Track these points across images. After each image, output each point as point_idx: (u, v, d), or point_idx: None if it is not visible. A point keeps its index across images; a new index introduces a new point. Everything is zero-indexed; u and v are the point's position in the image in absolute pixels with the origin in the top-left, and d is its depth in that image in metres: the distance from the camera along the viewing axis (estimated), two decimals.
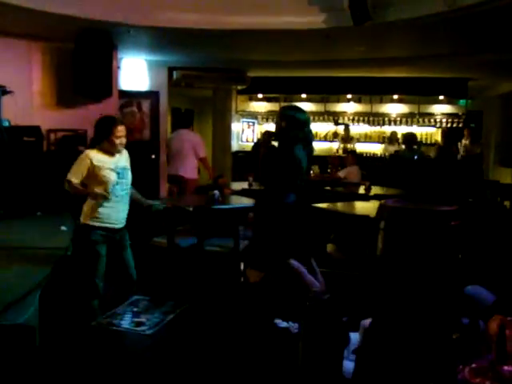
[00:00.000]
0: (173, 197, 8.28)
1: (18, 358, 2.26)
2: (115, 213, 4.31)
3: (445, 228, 1.45)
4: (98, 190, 4.18)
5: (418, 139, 12.74)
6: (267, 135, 10.66)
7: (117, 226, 4.33)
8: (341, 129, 13.07)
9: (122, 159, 4.38)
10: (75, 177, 4.18)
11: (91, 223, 4.25)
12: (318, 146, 12.65)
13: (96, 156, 4.22)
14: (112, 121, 4.35)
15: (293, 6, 6.71)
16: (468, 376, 1.48)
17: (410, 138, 10.01)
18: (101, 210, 4.23)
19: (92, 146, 4.35)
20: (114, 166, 4.26)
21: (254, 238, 3.93)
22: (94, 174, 4.19)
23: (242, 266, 5.55)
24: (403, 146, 12.03)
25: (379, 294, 1.58)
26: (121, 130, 4.27)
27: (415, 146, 10.03)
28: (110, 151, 4.28)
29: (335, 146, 13.06)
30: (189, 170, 8.44)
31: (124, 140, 4.30)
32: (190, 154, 8.38)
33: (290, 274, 3.27)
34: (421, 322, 1.51)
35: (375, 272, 1.58)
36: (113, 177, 4.22)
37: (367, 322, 1.69)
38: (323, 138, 13.31)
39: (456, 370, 1.47)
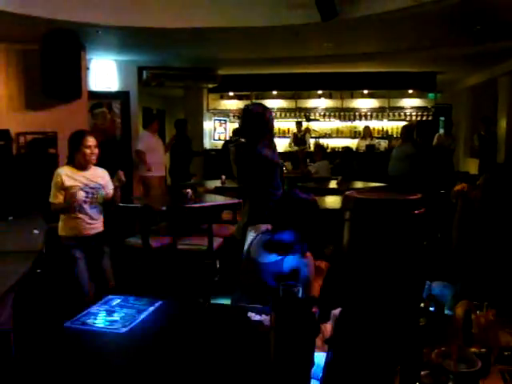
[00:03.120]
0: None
1: None
2: (85, 226, 4.41)
3: (408, 217, 1.49)
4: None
5: (389, 133, 12.94)
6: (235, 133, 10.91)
7: (88, 233, 4.43)
8: (313, 125, 13.21)
9: (96, 176, 4.43)
10: (56, 199, 4.29)
11: (65, 234, 4.41)
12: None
13: (66, 173, 4.30)
14: (81, 133, 4.45)
15: (261, 3, 6.73)
16: (434, 358, 1.52)
17: (408, 129, 9.68)
18: (71, 224, 4.37)
19: (67, 163, 4.44)
20: (82, 184, 4.32)
21: None
22: (64, 189, 4.28)
23: (217, 264, 5.57)
24: (375, 140, 12.16)
25: (348, 284, 1.61)
26: (90, 140, 4.35)
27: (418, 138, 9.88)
28: (83, 165, 4.34)
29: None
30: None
31: (96, 150, 4.37)
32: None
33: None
34: (388, 310, 1.55)
35: (343, 262, 1.61)
36: (81, 196, 4.29)
37: (337, 311, 1.72)
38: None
39: (422, 353, 1.52)
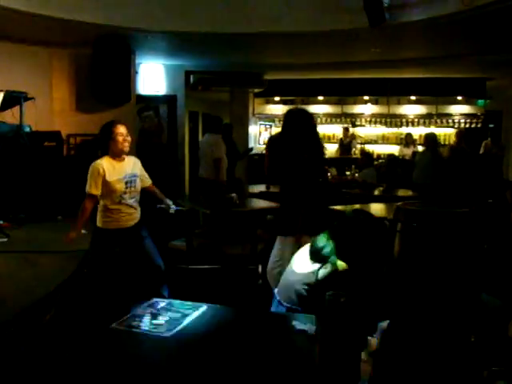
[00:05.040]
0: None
1: (38, 361, 2.29)
2: (124, 217, 4.48)
3: (461, 229, 1.45)
4: (107, 201, 4.39)
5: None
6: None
7: (128, 225, 4.51)
8: (359, 131, 13.09)
9: (131, 166, 4.49)
10: (96, 189, 4.31)
11: (103, 226, 4.49)
12: (334, 148, 12.66)
13: (106, 164, 4.34)
14: (110, 122, 4.49)
15: (308, 9, 6.72)
16: (488, 378, 1.47)
17: (431, 138, 9.26)
18: (111, 216, 4.44)
19: (102, 155, 4.47)
20: (122, 175, 4.38)
21: None
22: (104, 182, 4.32)
23: (260, 269, 5.56)
24: (419, 148, 11.88)
25: (397, 296, 1.58)
26: (121, 127, 4.40)
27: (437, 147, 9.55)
28: (117, 153, 4.38)
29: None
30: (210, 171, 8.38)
31: (128, 138, 4.42)
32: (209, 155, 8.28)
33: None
34: (438, 325, 1.51)
35: (392, 274, 1.58)
36: (121, 187, 4.36)
37: (385, 324, 1.69)
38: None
39: (475, 372, 1.47)
